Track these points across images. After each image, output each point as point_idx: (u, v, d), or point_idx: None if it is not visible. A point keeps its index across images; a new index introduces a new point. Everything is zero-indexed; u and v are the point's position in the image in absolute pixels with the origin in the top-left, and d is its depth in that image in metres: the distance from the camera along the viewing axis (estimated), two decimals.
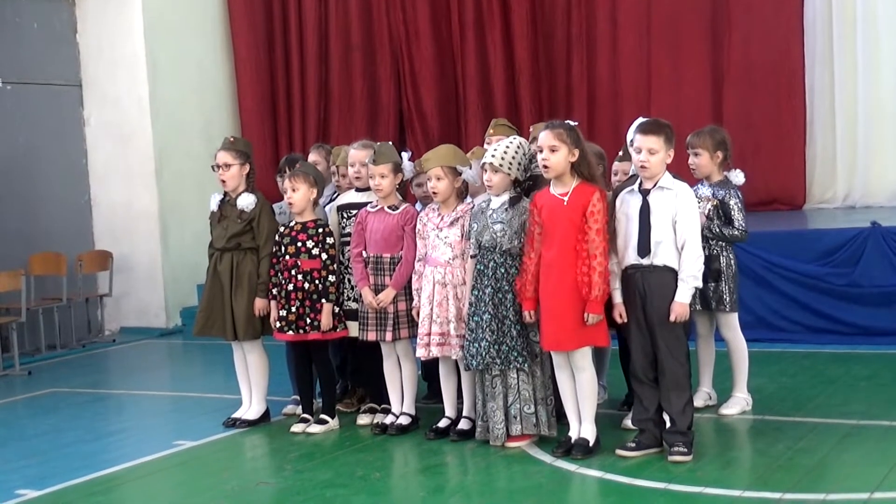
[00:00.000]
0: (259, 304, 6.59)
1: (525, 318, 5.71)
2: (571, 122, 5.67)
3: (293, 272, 6.47)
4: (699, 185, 6.32)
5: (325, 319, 6.43)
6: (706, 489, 5.03)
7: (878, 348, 8.04)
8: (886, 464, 5.29)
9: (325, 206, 6.96)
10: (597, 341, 5.63)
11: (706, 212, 6.19)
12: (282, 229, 6.59)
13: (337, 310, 6.50)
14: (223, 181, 6.71)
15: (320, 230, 6.48)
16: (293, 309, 6.46)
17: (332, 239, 6.50)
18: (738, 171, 6.39)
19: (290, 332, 6.49)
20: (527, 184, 5.94)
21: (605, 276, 5.46)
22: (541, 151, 5.57)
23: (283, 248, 6.53)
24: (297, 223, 6.54)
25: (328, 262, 6.46)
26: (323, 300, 6.43)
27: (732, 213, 6.23)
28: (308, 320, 6.44)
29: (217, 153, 6.74)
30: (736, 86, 11.11)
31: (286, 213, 6.87)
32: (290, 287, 6.47)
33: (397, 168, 6.36)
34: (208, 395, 8.03)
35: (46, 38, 11.41)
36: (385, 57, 12.66)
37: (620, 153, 6.63)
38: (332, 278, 6.46)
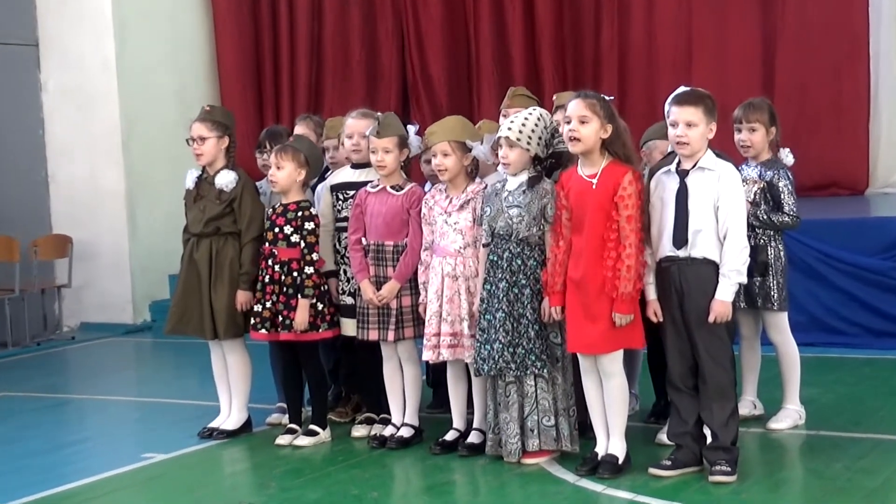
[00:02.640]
0: (242, 296, 6.61)
1: (549, 316, 5.71)
2: (606, 97, 5.67)
3: (270, 262, 6.49)
4: (743, 166, 6.32)
5: (300, 318, 6.41)
6: None
7: None
8: None
9: (313, 186, 6.98)
10: (631, 343, 5.64)
11: (751, 196, 6.19)
12: (269, 212, 6.60)
13: (320, 306, 6.51)
14: (198, 156, 6.73)
15: (300, 213, 6.48)
16: (268, 304, 6.48)
17: (311, 224, 6.48)
18: (787, 149, 6.40)
19: (264, 331, 6.51)
20: (548, 161, 5.95)
21: (637, 271, 5.46)
22: (568, 122, 5.57)
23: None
24: (280, 205, 6.55)
25: (307, 251, 6.46)
26: (298, 296, 6.44)
27: (782, 196, 6.24)
28: (281, 318, 6.46)
29: (192, 124, 6.76)
30: (790, 51, 11.08)
31: (267, 195, 6.88)
32: (267, 279, 6.49)
33: (403, 142, 6.36)
34: (181, 401, 8.05)
35: None
36: (386, 15, 12.65)
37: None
38: (309, 270, 6.46)
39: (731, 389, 5.55)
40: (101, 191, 11.57)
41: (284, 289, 6.45)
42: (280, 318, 6.46)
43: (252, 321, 6.53)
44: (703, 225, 5.44)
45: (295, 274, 6.45)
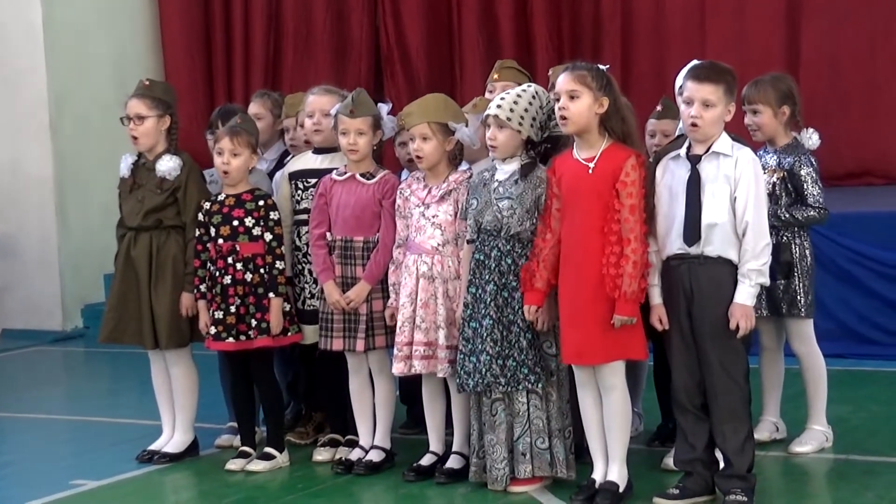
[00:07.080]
0: (186, 300, 6.61)
1: (526, 315, 5.71)
2: (600, 66, 5.69)
3: (230, 260, 6.48)
4: (761, 152, 6.34)
5: (275, 319, 6.44)
6: None
7: None
8: None
9: (267, 172, 6.98)
10: (630, 353, 5.64)
11: (769, 189, 6.20)
12: (207, 205, 6.58)
13: (287, 307, 6.52)
14: (135, 138, 6.72)
15: (261, 202, 6.50)
16: (232, 309, 6.47)
17: (276, 213, 6.51)
18: (810, 130, 6.42)
19: (231, 340, 6.49)
20: (543, 147, 5.96)
21: (641, 268, 5.47)
22: (558, 100, 5.58)
23: (213, 230, 6.54)
24: (228, 196, 6.55)
25: (274, 243, 6.48)
26: (270, 294, 6.45)
27: (805, 186, 6.27)
28: (253, 322, 6.46)
29: (128, 101, 6.75)
30: (818, 18, 11.11)
31: (218, 183, 6.87)
32: (228, 280, 6.47)
33: (377, 124, 6.37)
34: (118, 420, 8.05)
35: None
36: None
37: (659, 107, 6.65)
38: (279, 265, 6.48)
39: (746, 409, 5.56)
40: (24, 177, 11.53)
41: (253, 289, 6.46)
42: (254, 322, 6.45)
43: (213, 330, 6.51)
44: (718, 218, 5.45)
45: (262, 271, 6.46)
